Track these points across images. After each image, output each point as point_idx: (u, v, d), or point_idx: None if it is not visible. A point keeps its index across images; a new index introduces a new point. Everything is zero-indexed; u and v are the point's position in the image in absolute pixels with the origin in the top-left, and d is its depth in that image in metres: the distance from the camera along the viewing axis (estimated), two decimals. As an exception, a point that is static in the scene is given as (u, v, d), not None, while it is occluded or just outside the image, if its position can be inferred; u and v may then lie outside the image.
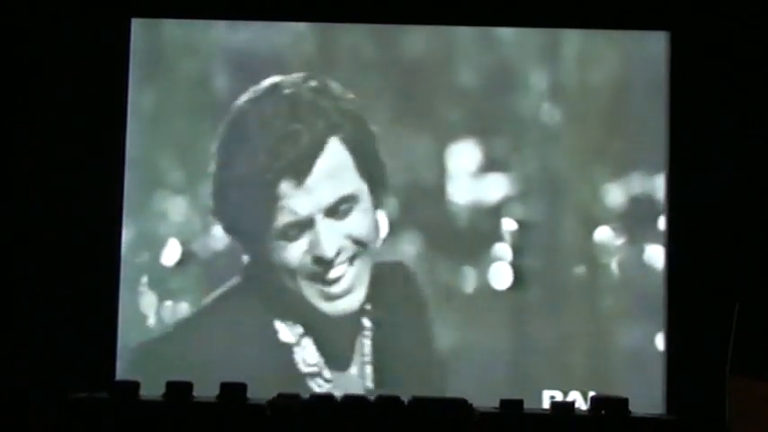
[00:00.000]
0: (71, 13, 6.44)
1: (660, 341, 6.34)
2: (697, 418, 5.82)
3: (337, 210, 6.27)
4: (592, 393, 5.96)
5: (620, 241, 6.41)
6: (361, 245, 6.30)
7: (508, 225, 6.44)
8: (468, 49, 6.52)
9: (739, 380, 5.33)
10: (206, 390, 5.57)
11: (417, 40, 6.54)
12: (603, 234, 6.42)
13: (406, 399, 5.61)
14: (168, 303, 6.44)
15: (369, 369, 6.37)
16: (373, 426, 5.46)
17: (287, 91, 6.37)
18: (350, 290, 6.32)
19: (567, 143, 6.47)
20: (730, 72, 6.33)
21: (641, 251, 6.40)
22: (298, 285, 6.29)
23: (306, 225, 6.26)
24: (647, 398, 6.11)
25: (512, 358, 6.40)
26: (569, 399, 6.23)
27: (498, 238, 6.44)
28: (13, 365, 6.28)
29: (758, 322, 5.38)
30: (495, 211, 6.44)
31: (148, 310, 6.44)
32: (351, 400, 5.58)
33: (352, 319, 6.36)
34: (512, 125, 6.48)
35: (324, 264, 6.25)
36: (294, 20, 6.48)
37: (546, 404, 6.12)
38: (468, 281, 6.42)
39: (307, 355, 6.34)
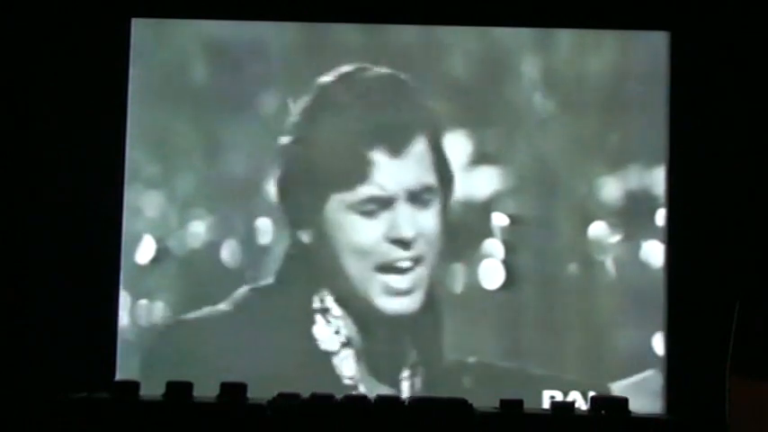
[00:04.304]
0: (71, 13, 6.44)
1: (657, 340, 6.30)
2: (697, 418, 5.83)
3: (420, 198, 6.20)
4: (592, 393, 5.96)
5: (616, 237, 6.36)
6: (430, 245, 6.21)
7: (499, 220, 6.39)
8: (458, 38, 6.45)
9: (739, 380, 5.33)
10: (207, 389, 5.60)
11: (406, 28, 6.45)
12: (599, 230, 6.36)
13: (406, 399, 5.63)
14: (143, 302, 6.36)
15: (406, 384, 6.26)
16: (373, 426, 5.46)
17: (381, 72, 6.33)
18: (413, 289, 6.19)
19: (561, 135, 6.40)
20: (730, 72, 6.33)
21: (638, 247, 6.33)
22: (362, 271, 6.17)
23: (387, 203, 6.17)
24: (647, 397, 6.11)
25: (504, 362, 6.30)
26: (569, 399, 6.22)
27: (489, 233, 6.37)
28: (13, 366, 6.28)
29: (758, 322, 5.37)
30: (486, 206, 6.35)
31: (122, 309, 6.35)
32: (351, 400, 5.58)
33: (402, 325, 6.25)
34: (504, 116, 6.40)
35: (401, 246, 6.14)
36: (294, 20, 6.46)
37: (546, 404, 6.11)
38: (457, 280, 6.33)
39: (345, 367, 6.23)
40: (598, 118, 6.41)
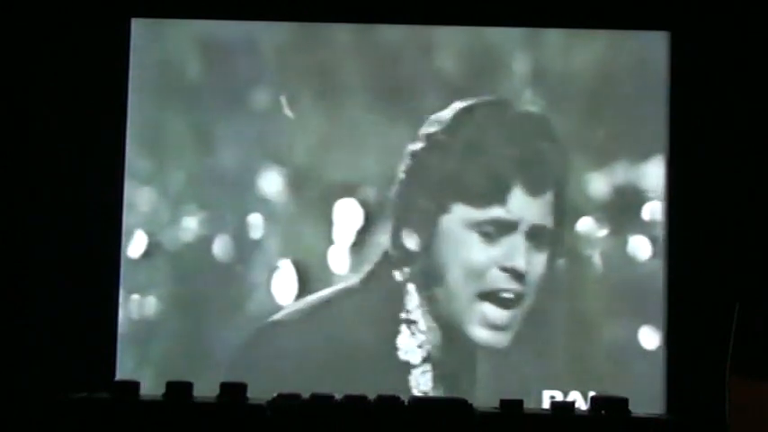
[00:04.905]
0: (71, 13, 6.44)
1: (644, 333, 6.30)
2: (697, 418, 5.82)
3: (538, 236, 6.17)
4: (592, 393, 5.96)
5: (603, 232, 6.35)
6: (535, 286, 6.18)
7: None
8: (448, 33, 6.45)
9: (739, 380, 5.32)
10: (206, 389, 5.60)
11: (397, 27, 6.45)
12: (587, 225, 6.35)
13: (406, 399, 5.62)
14: (135, 297, 6.39)
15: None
16: (373, 426, 5.46)
17: (529, 111, 6.34)
18: (509, 326, 6.17)
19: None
20: (730, 72, 6.33)
21: (624, 242, 6.33)
22: (465, 293, 6.14)
23: (508, 231, 6.13)
24: (645, 396, 6.10)
25: (497, 355, 6.29)
26: (569, 399, 6.22)
27: None
28: (13, 366, 6.28)
29: (758, 322, 5.37)
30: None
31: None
32: (351, 400, 5.57)
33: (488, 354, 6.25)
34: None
35: (512, 276, 6.10)
36: (288, 20, 6.46)
37: (546, 404, 6.11)
38: None
39: (422, 382, 6.22)
40: (588, 114, 6.40)
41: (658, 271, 6.35)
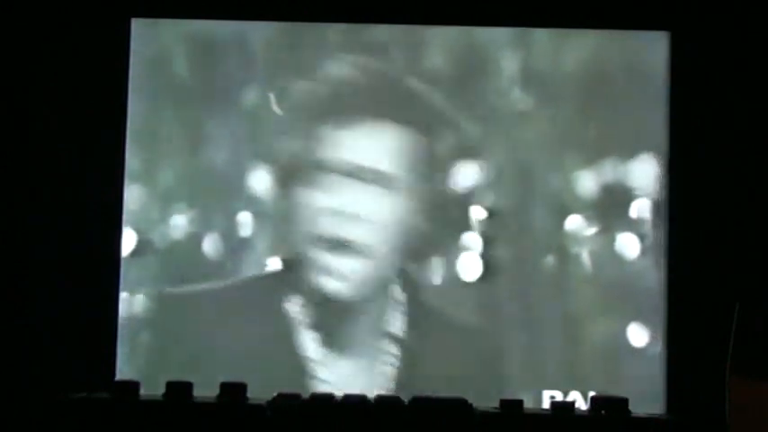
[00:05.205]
0: (71, 13, 6.44)
1: (632, 330, 6.31)
2: (697, 418, 5.83)
3: (379, 182, 6.19)
4: (592, 393, 5.96)
5: (593, 230, 6.35)
6: (379, 233, 6.19)
7: (478, 214, 6.37)
8: (436, 31, 6.46)
9: (739, 380, 5.32)
10: (205, 388, 5.60)
11: (387, 26, 6.47)
12: (576, 223, 6.35)
13: (406, 399, 5.63)
14: (123, 295, 6.40)
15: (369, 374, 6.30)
16: (373, 426, 5.46)
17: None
18: (351, 276, 6.21)
19: (539, 129, 6.40)
20: (730, 72, 6.33)
21: (612, 240, 6.34)
22: (308, 245, 6.21)
23: (342, 176, 6.21)
24: (643, 396, 6.10)
25: (486, 353, 6.33)
26: (569, 399, 6.22)
27: (468, 227, 6.37)
28: (13, 366, 6.28)
29: (758, 322, 5.37)
30: (466, 199, 6.36)
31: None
32: (351, 399, 5.57)
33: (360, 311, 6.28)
34: (486, 112, 6.40)
35: (346, 222, 6.13)
36: (281, 20, 6.47)
37: (546, 404, 6.11)
38: (436, 272, 6.34)
39: (310, 349, 6.28)
40: (585, 113, 6.41)
41: (647, 269, 6.36)
